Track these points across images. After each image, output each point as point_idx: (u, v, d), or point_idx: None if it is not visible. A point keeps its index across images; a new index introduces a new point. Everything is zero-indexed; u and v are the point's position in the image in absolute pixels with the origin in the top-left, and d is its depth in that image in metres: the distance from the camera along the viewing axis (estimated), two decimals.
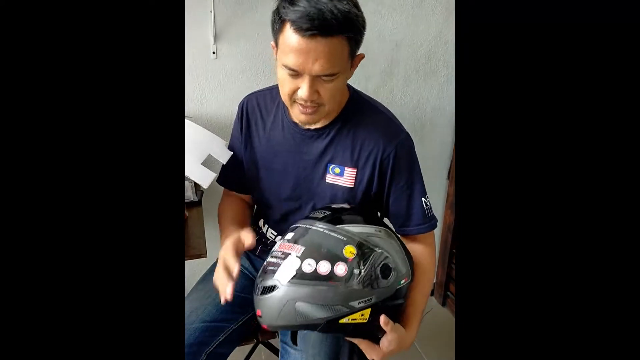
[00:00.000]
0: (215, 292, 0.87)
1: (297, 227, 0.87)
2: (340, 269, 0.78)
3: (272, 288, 0.80)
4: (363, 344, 0.86)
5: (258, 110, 1.06)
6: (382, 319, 0.82)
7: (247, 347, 1.33)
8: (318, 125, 0.98)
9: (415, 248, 1.02)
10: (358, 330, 0.82)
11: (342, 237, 0.81)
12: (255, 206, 1.17)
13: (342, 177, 0.99)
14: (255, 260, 1.17)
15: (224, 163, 1.02)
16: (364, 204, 1.02)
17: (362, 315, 0.80)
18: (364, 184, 0.99)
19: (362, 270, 0.79)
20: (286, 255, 0.81)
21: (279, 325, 0.80)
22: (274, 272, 0.81)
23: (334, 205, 0.93)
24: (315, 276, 0.78)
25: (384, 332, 0.84)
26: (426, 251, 1.02)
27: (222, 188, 1.18)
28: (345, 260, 0.79)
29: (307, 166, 1.01)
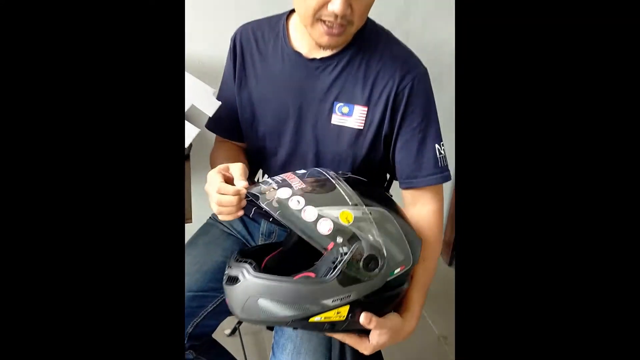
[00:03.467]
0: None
1: (315, 170, 0.75)
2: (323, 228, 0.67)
3: (235, 279, 0.70)
4: (348, 339, 0.75)
5: (254, 40, 0.91)
6: (363, 318, 0.71)
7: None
8: (327, 54, 0.84)
9: (421, 212, 0.88)
10: (336, 327, 0.72)
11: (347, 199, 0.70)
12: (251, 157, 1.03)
13: (350, 117, 0.86)
14: (250, 223, 1.05)
15: (210, 115, 0.89)
16: (371, 154, 0.88)
17: (337, 313, 0.69)
18: (374, 125, 0.86)
19: (339, 263, 0.67)
20: (283, 184, 0.70)
21: (244, 318, 0.70)
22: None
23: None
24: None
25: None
26: (433, 217, 0.89)
27: (212, 139, 1.04)
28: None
29: (311, 105, 0.88)
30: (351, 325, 0.71)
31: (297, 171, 0.76)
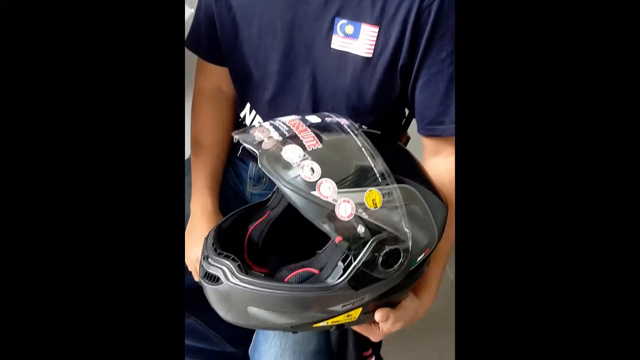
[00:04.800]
0: None
1: (329, 117, 0.56)
2: (344, 211, 0.49)
3: (215, 279, 0.54)
4: (357, 327, 0.62)
5: None
6: (379, 317, 0.57)
7: None
8: None
9: (445, 164, 0.70)
10: (345, 327, 0.58)
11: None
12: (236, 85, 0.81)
13: (356, 39, 0.66)
14: (239, 165, 0.86)
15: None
16: (383, 90, 0.68)
17: (348, 316, 0.55)
18: (388, 52, 0.65)
19: (351, 264, 0.51)
20: (290, 137, 0.51)
21: (231, 321, 0.57)
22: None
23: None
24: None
25: None
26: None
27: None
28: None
29: (304, 21, 0.68)
30: (363, 321, 0.59)
31: (307, 116, 0.56)
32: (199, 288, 0.57)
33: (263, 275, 0.58)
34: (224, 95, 0.83)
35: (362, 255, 0.50)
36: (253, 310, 0.53)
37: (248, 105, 0.79)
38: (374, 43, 0.65)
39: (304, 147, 0.50)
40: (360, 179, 0.50)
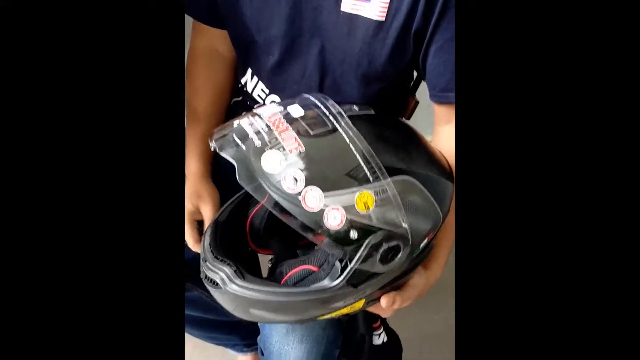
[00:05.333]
0: None
1: (309, 100, 0.52)
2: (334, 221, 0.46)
3: (214, 283, 0.54)
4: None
5: None
6: (384, 303, 0.56)
7: None
8: None
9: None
10: (350, 315, 0.58)
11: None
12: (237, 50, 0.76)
13: (368, 2, 0.61)
14: None
15: None
16: (395, 57, 0.63)
17: (351, 307, 0.55)
18: (401, 16, 0.60)
19: (348, 265, 0.49)
20: (270, 139, 0.48)
21: (239, 317, 0.57)
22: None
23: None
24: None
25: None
26: None
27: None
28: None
29: None
30: (369, 307, 0.58)
31: (289, 108, 0.50)
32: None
33: (263, 278, 0.57)
34: (220, 57, 0.77)
35: (359, 257, 0.48)
36: (256, 311, 0.53)
37: (249, 72, 0.74)
38: (387, 6, 0.60)
39: (283, 150, 0.46)
40: (349, 179, 0.47)
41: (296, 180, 0.45)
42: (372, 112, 0.54)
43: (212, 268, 0.54)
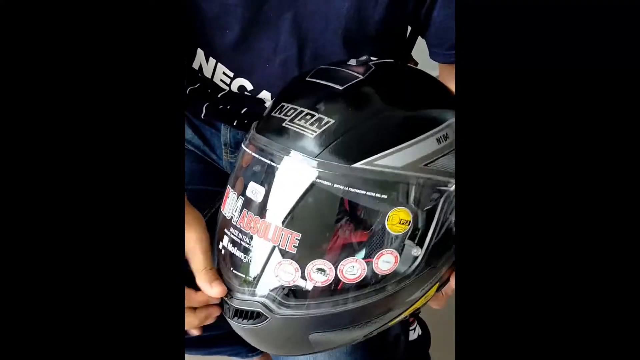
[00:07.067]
0: None
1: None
2: (384, 265, 0.39)
3: (256, 315, 0.41)
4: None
5: None
6: (453, 280, 0.47)
7: None
8: None
9: None
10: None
11: (379, 193, 0.38)
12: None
13: None
14: (206, 130, 0.68)
15: None
16: (392, 14, 0.52)
17: (426, 297, 0.45)
18: None
19: (426, 245, 0.39)
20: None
21: (288, 355, 0.45)
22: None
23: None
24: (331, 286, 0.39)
25: None
26: None
27: None
28: (390, 239, 0.39)
29: None
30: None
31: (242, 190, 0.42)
32: None
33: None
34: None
35: (432, 226, 0.39)
36: (317, 336, 0.41)
37: (201, 53, 0.59)
38: None
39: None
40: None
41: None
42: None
43: (245, 297, 0.41)
